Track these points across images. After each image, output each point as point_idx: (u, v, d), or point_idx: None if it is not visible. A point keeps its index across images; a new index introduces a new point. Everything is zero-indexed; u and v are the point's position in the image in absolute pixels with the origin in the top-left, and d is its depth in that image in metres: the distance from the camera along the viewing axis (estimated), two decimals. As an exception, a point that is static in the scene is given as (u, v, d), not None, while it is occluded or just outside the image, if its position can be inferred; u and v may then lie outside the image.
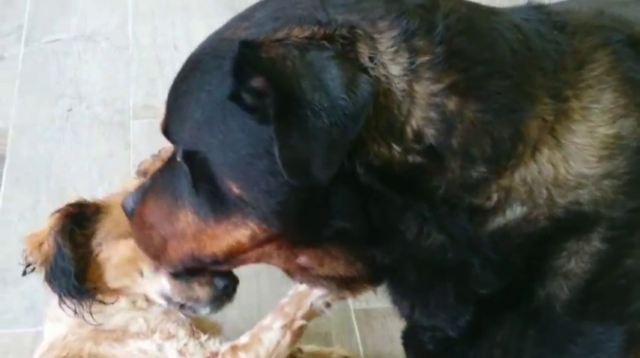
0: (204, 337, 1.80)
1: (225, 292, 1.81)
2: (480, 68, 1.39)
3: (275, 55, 1.32)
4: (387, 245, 1.46)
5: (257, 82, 1.33)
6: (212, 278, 1.80)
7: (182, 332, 1.79)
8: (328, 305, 1.81)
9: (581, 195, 1.42)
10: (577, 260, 1.45)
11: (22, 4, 3.32)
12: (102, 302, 1.78)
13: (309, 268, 1.52)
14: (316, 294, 1.79)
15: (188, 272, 1.67)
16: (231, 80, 1.37)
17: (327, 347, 2.09)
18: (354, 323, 2.20)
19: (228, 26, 1.46)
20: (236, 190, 1.42)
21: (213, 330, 1.87)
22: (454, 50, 1.37)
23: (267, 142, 1.35)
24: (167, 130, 1.52)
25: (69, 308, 1.75)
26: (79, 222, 1.77)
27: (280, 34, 1.35)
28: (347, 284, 1.58)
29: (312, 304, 1.79)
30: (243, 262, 1.56)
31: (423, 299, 1.57)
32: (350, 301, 2.06)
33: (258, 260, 1.53)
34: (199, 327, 1.84)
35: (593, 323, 1.50)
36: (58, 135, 2.78)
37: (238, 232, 1.47)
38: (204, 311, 1.82)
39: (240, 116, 1.38)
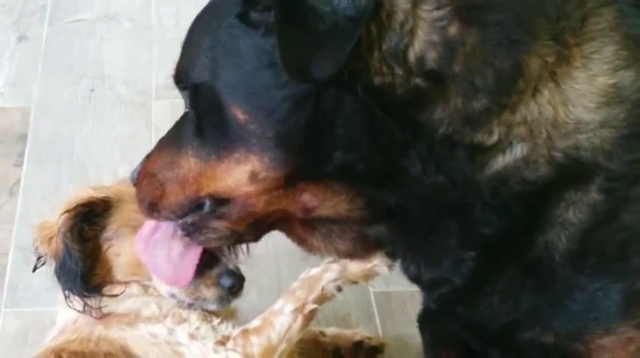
0: (216, 321, 1.79)
1: (232, 291, 1.80)
2: (482, 0, 1.40)
3: None
4: (391, 182, 1.46)
5: (266, 6, 1.35)
6: (218, 277, 1.79)
7: (194, 317, 1.79)
8: (339, 289, 1.80)
9: (579, 139, 1.42)
10: (575, 210, 1.45)
11: (46, -17, 3.33)
12: (109, 295, 1.78)
13: (311, 209, 1.50)
14: (328, 278, 1.79)
15: (191, 226, 1.65)
16: (240, 4, 1.38)
17: (347, 329, 2.08)
18: (374, 306, 2.20)
19: None
20: (241, 116, 1.42)
21: (226, 314, 1.87)
22: None
23: (270, 54, 1.36)
24: (177, 75, 1.53)
25: (75, 304, 1.75)
26: (88, 219, 1.77)
27: None
28: (358, 248, 1.57)
29: (323, 288, 1.79)
30: (247, 208, 1.53)
31: (427, 245, 1.57)
32: (369, 285, 2.03)
33: (262, 205, 1.51)
34: (212, 311, 1.83)
35: (590, 277, 1.50)
36: (80, 115, 2.78)
37: (239, 169, 1.46)
38: (211, 308, 1.81)
39: (246, 34, 1.40)
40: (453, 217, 1.50)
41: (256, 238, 1.62)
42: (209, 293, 1.79)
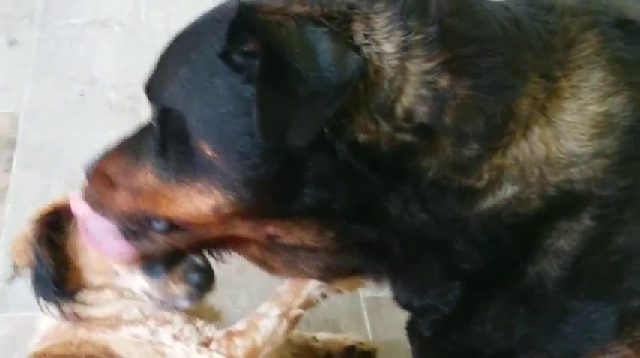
0: (200, 323, 1.80)
1: (201, 286, 1.79)
2: (471, 46, 1.39)
3: (272, 20, 1.32)
4: (368, 220, 1.44)
5: (249, 43, 1.32)
6: (185, 273, 1.78)
7: (177, 319, 1.79)
8: (324, 295, 1.81)
9: (572, 173, 1.42)
10: (567, 238, 1.45)
11: (36, -12, 3.33)
12: (82, 302, 1.78)
13: (274, 237, 1.49)
14: (314, 284, 1.79)
15: (131, 231, 1.63)
16: (225, 39, 1.35)
17: (338, 334, 2.09)
18: (364, 311, 2.21)
19: None
20: (209, 152, 1.39)
21: (210, 316, 1.88)
22: (446, 29, 1.38)
23: (248, 102, 1.33)
24: (149, 87, 1.50)
25: (50, 311, 1.75)
26: (55, 226, 1.77)
27: (280, 4, 1.35)
28: (327, 274, 1.56)
29: (309, 294, 1.79)
30: (203, 233, 1.52)
31: (412, 276, 1.57)
32: (360, 289, 2.04)
33: (221, 231, 1.49)
34: (196, 313, 1.83)
35: (584, 301, 1.50)
36: (70, 119, 2.78)
37: (200, 199, 1.43)
38: (183, 305, 1.80)
39: (226, 75, 1.37)
40: (434, 253, 1.49)
41: (195, 253, 1.62)
42: (178, 289, 1.79)
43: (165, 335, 1.76)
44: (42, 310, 1.76)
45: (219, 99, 1.38)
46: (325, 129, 1.32)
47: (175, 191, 1.45)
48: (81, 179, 1.82)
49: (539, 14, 1.47)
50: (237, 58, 1.35)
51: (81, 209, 1.70)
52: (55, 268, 1.74)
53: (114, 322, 1.78)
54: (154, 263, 1.78)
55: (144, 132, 1.52)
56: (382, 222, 1.45)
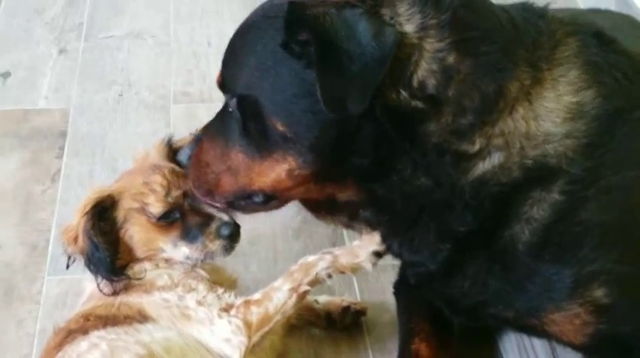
0: (220, 290, 1.80)
1: (231, 238, 1.81)
2: (475, 32, 1.43)
3: (317, 12, 1.35)
4: (387, 180, 1.48)
5: (303, 34, 1.37)
6: (218, 230, 1.80)
7: (201, 286, 1.79)
8: (330, 276, 1.82)
9: (547, 149, 1.44)
10: (538, 207, 1.47)
11: (83, 5, 3.32)
12: (132, 278, 1.79)
13: (330, 195, 1.55)
14: (321, 266, 1.80)
15: (238, 206, 1.67)
16: (282, 33, 1.39)
17: (328, 296, 2.09)
18: (353, 277, 2.18)
19: None
20: (280, 127, 1.45)
21: (228, 284, 1.88)
22: (456, 17, 1.41)
23: (310, 84, 1.38)
24: (222, 83, 1.55)
25: (106, 288, 1.77)
26: (101, 215, 1.77)
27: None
28: (351, 222, 1.62)
29: (317, 273, 1.80)
30: (289, 196, 1.58)
31: (410, 237, 1.59)
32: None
33: (300, 193, 1.56)
34: (217, 282, 1.84)
35: (547, 264, 1.52)
36: (110, 115, 2.79)
37: (280, 167, 1.49)
38: (220, 257, 1.83)
39: (289, 62, 1.41)
40: (432, 216, 1.52)
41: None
42: (214, 245, 1.80)
43: (190, 300, 1.76)
44: (98, 287, 1.77)
45: (285, 83, 1.42)
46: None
47: (261, 164, 1.51)
48: (121, 166, 1.85)
49: (532, 18, 1.51)
50: (295, 47, 1.39)
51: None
52: (110, 251, 1.75)
53: (148, 288, 1.79)
54: (191, 229, 1.80)
55: (224, 119, 1.55)
56: (393, 182, 1.49)
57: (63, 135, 2.69)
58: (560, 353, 1.95)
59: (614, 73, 1.50)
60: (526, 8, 1.53)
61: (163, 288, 1.78)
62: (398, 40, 1.35)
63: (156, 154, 1.89)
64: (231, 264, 2.06)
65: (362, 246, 1.85)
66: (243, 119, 1.49)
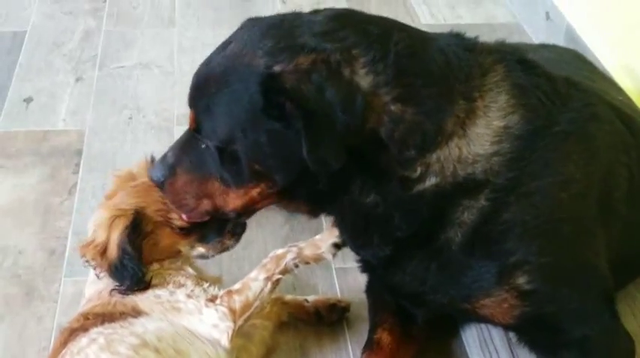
0: (206, 284, 1.80)
1: (241, 233, 1.85)
2: (417, 81, 1.45)
3: (294, 83, 1.37)
4: (338, 200, 1.53)
5: (283, 104, 1.38)
6: (233, 229, 1.82)
7: (189, 282, 1.79)
8: (297, 265, 1.83)
9: (476, 168, 1.47)
10: (468, 213, 1.50)
11: (97, 39, 3.32)
12: (149, 283, 1.76)
13: (288, 203, 1.64)
14: (289, 257, 1.81)
15: (210, 220, 1.72)
16: (261, 100, 1.40)
17: (315, 295, 2.09)
18: (335, 278, 2.19)
19: (242, 51, 1.48)
20: (257, 167, 1.48)
21: (214, 281, 1.88)
22: (399, 70, 1.43)
23: (289, 141, 1.40)
24: (199, 130, 1.54)
25: (122, 293, 1.74)
26: (134, 229, 1.75)
27: (291, 66, 1.39)
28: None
29: (286, 264, 1.80)
30: (254, 211, 1.62)
31: (358, 238, 1.64)
32: (332, 261, 2.04)
33: (263, 206, 1.60)
34: (203, 279, 1.84)
35: (478, 259, 1.54)
36: (121, 136, 2.78)
37: (252, 191, 1.53)
38: (230, 248, 1.86)
39: (268, 124, 1.42)
40: (375, 225, 1.55)
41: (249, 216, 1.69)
42: (230, 241, 1.84)
43: (180, 295, 1.75)
44: (117, 292, 1.74)
45: (264, 140, 1.44)
46: None
47: (237, 191, 1.54)
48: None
49: (463, 54, 1.52)
50: (273, 112, 1.40)
51: None
52: (138, 262, 1.73)
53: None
54: (208, 233, 1.82)
55: (197, 150, 1.55)
56: (347, 201, 1.53)
57: (79, 153, 2.68)
58: (515, 340, 1.94)
59: (537, 93, 1.53)
60: (458, 44, 1.54)
61: (156, 286, 1.77)
62: (366, 105, 1.39)
63: (142, 172, 1.85)
64: (226, 265, 2.07)
65: (323, 239, 1.86)
66: (220, 160, 1.50)
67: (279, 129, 1.41)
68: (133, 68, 3.14)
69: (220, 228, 1.81)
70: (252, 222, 1.84)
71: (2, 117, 2.84)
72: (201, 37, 3.31)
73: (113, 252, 1.72)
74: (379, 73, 1.42)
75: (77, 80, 3.07)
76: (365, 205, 1.51)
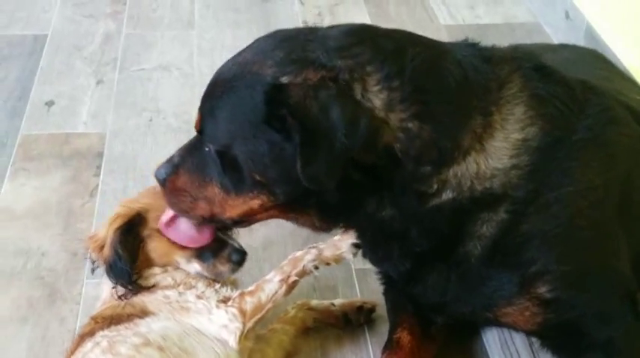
0: (218, 286, 1.79)
1: (239, 263, 1.81)
2: (434, 98, 1.43)
3: (298, 97, 1.36)
4: (353, 215, 1.51)
5: (285, 116, 1.37)
6: (229, 255, 1.80)
7: (200, 283, 1.79)
8: (316, 267, 1.81)
9: (494, 182, 1.47)
10: (487, 226, 1.50)
11: (117, 42, 3.33)
12: (143, 286, 1.77)
13: (294, 218, 1.59)
14: (308, 259, 1.80)
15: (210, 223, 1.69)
16: (264, 109, 1.39)
17: (335, 297, 2.08)
18: (355, 279, 2.19)
19: (253, 59, 1.48)
20: (257, 177, 1.47)
21: (230, 282, 1.87)
22: (416, 87, 1.42)
23: (287, 152, 1.39)
24: (203, 132, 1.55)
25: (119, 294, 1.75)
26: (129, 230, 1.76)
27: (299, 79, 1.38)
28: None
29: (304, 266, 1.80)
30: (253, 222, 1.61)
31: (377, 252, 1.64)
32: (352, 262, 2.04)
33: (263, 218, 1.58)
34: (218, 281, 1.83)
35: (498, 270, 1.54)
36: (141, 138, 2.79)
37: (252, 202, 1.52)
38: (226, 277, 1.83)
39: (269, 134, 1.42)
40: (395, 240, 1.54)
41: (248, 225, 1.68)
42: (224, 268, 1.80)
43: (190, 295, 1.75)
44: (112, 294, 1.76)
45: (264, 150, 1.43)
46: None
47: (236, 199, 1.53)
48: (150, 182, 1.85)
49: (480, 66, 1.50)
50: (275, 123, 1.39)
51: (166, 215, 1.72)
52: (130, 263, 1.74)
53: (152, 288, 1.78)
54: (205, 251, 1.79)
55: (201, 153, 1.55)
56: (363, 216, 1.52)
57: (100, 155, 2.69)
58: (537, 343, 1.93)
59: (555, 102, 1.51)
60: (475, 55, 1.51)
61: (166, 287, 1.78)
62: (370, 128, 1.36)
63: None
64: (247, 266, 2.05)
65: (342, 239, 1.84)
66: (221, 165, 1.50)
67: (279, 140, 1.40)
68: (153, 70, 3.15)
69: (218, 250, 1.79)
70: (272, 223, 1.82)
71: (24, 120, 2.86)
72: (221, 38, 3.32)
73: (107, 249, 1.73)
74: (394, 89, 1.41)
75: (98, 83, 3.08)
76: (381, 219, 1.50)
